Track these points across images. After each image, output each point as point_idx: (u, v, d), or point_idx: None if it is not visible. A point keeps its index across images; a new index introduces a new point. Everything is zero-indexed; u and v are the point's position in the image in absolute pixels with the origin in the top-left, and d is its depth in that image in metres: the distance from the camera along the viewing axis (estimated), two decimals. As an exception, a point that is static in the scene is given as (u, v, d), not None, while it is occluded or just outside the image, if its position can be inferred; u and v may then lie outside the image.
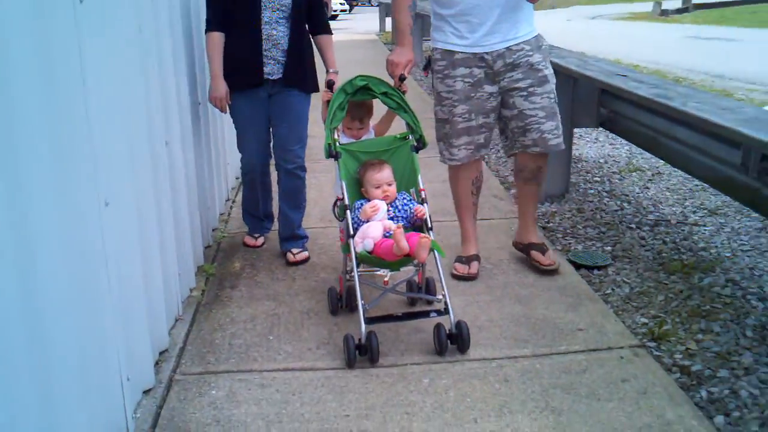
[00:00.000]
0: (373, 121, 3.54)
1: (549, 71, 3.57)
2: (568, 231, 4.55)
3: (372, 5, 39.69)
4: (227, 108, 3.78)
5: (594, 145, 6.89)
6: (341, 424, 2.54)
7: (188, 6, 3.95)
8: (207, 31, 3.74)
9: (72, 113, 2.12)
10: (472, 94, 3.57)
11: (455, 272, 3.72)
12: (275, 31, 3.71)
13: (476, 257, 3.83)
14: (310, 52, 3.88)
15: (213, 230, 4.43)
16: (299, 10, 3.75)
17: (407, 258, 2.95)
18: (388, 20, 19.52)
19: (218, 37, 3.70)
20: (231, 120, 4.03)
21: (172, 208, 3.30)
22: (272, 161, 4.05)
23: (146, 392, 2.76)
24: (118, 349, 2.43)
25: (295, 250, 4.06)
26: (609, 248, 4.25)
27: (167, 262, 3.18)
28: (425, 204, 3.20)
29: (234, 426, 2.57)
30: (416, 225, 3.19)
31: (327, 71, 3.83)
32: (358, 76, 3.32)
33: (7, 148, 1.71)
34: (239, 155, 4.06)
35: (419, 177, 3.28)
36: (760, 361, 2.97)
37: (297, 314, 3.41)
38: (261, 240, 4.25)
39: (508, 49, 3.49)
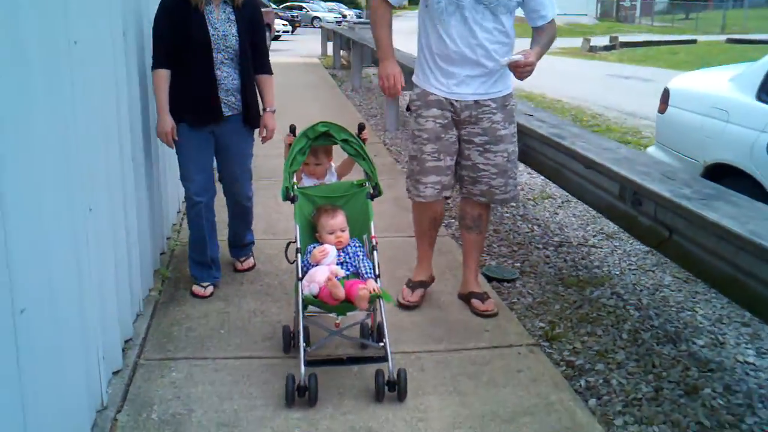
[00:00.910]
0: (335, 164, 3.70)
1: (508, 131, 3.74)
2: (484, 249, 5.15)
3: (314, 27, 40.30)
4: (173, 143, 3.85)
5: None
6: (284, 400, 3.05)
7: (143, 49, 4.38)
8: (153, 68, 3.81)
9: (68, 134, 2.60)
10: (442, 135, 3.72)
11: (400, 299, 3.99)
12: (219, 72, 3.81)
13: (423, 284, 4.07)
14: (254, 91, 4.01)
15: (167, 238, 4.87)
16: (245, 52, 3.87)
17: (351, 304, 3.04)
18: (330, 44, 20.09)
19: (164, 74, 3.77)
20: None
21: (136, 217, 3.75)
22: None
23: (115, 373, 3.20)
24: (96, 329, 2.89)
25: (242, 258, 4.47)
26: (518, 264, 4.88)
27: (132, 261, 3.62)
28: (375, 251, 3.28)
29: (193, 401, 3.05)
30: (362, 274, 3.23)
31: (264, 110, 4.03)
32: (320, 123, 3.42)
33: (31, 168, 2.21)
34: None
35: (372, 224, 3.37)
36: (630, 357, 3.61)
37: (244, 313, 3.90)
38: (210, 289, 4.11)
39: (475, 102, 3.67)
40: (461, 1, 3.53)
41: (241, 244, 4.48)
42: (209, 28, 3.76)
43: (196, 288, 4.10)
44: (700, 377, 3.43)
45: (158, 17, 3.79)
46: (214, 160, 4.14)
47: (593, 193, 4.30)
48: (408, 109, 3.93)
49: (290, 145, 3.43)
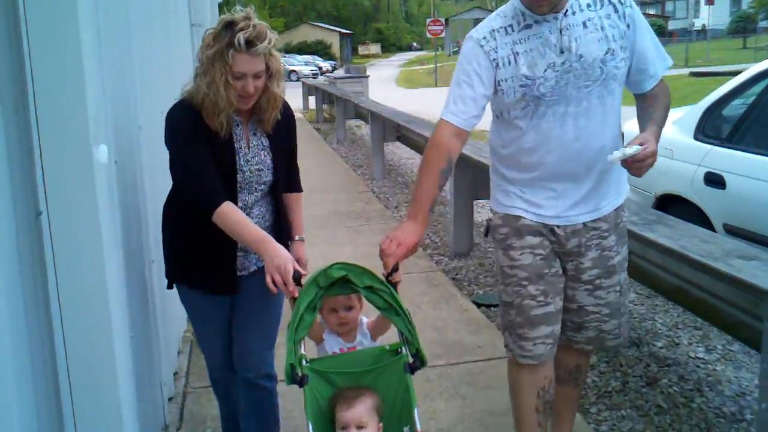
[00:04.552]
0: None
1: (621, 256, 2.79)
2: (472, 280, 5.85)
3: (291, 80, 41.32)
4: (294, 286, 2.39)
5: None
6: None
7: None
8: (213, 209, 2.52)
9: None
10: (546, 270, 2.68)
11: None
12: (251, 217, 2.72)
13: None
14: (288, 227, 2.97)
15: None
16: (280, 182, 2.86)
17: None
18: (312, 98, 20.84)
19: (231, 206, 2.56)
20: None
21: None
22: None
23: (169, 399, 3.81)
24: (159, 363, 3.52)
25: None
26: (503, 291, 5.56)
27: (168, 305, 4.23)
28: None
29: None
30: None
31: (291, 239, 2.97)
32: (334, 265, 2.46)
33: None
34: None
35: (416, 412, 2.35)
36: (601, 360, 4.27)
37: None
38: None
39: (584, 225, 2.68)
40: (554, 92, 2.53)
41: None
42: (240, 160, 2.70)
43: None
44: (659, 371, 4.10)
45: (184, 141, 2.61)
46: None
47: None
48: (488, 235, 2.92)
49: (295, 299, 2.42)
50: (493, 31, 2.59)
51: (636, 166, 2.42)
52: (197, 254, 2.74)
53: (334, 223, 7.59)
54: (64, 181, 1.99)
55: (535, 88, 2.52)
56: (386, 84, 35.74)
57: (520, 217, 2.69)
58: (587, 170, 2.60)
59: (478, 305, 5.21)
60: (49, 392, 2.07)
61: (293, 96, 27.56)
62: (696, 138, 4.92)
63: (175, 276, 2.87)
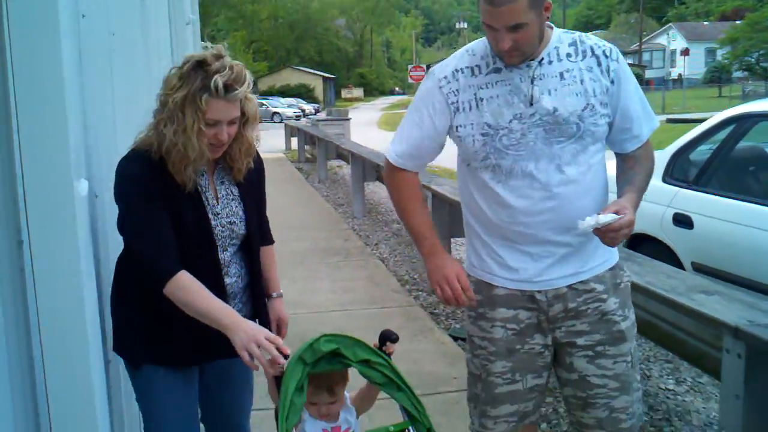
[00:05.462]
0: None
1: (628, 322, 2.45)
2: (449, 314, 5.93)
3: (274, 122, 41.64)
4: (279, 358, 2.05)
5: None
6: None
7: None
8: (166, 279, 2.17)
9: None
10: (518, 347, 2.44)
11: None
12: (228, 278, 2.40)
13: None
14: (262, 286, 2.61)
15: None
16: (254, 236, 2.51)
17: None
18: (294, 139, 21.07)
19: (187, 277, 2.19)
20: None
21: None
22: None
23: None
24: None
25: None
26: (479, 327, 5.65)
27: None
28: None
29: None
30: None
31: (268, 296, 2.65)
32: (322, 337, 2.15)
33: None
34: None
35: None
36: (573, 394, 4.37)
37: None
38: None
39: (570, 288, 2.39)
40: (519, 145, 2.29)
41: None
42: (209, 215, 2.35)
43: None
44: (628, 404, 4.19)
45: (136, 201, 2.25)
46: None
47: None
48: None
49: (278, 379, 2.12)
50: (457, 71, 2.37)
51: (610, 236, 2.17)
52: (165, 323, 2.29)
53: (313, 259, 7.67)
54: (46, 213, 2.06)
55: (498, 139, 2.30)
56: (368, 126, 35.95)
57: (493, 285, 2.45)
58: (563, 232, 2.33)
59: (455, 338, 5.28)
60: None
61: (276, 137, 27.76)
62: (665, 180, 5.09)
63: (139, 355, 2.40)
